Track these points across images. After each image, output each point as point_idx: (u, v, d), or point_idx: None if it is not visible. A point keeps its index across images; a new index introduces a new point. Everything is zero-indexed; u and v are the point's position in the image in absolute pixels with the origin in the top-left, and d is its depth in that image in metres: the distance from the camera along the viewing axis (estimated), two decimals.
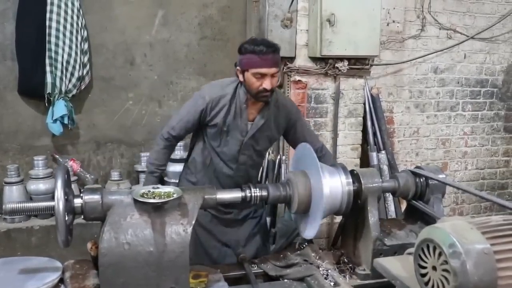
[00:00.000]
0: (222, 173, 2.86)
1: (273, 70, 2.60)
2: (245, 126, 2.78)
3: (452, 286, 1.47)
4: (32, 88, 3.88)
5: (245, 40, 2.77)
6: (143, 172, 4.18)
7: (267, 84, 2.60)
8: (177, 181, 4.11)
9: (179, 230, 2.04)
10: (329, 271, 2.41)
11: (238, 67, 2.70)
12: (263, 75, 2.60)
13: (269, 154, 4.43)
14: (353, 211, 2.47)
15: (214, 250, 2.93)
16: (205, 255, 2.90)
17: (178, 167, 4.15)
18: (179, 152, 4.22)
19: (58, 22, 3.81)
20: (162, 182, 4.21)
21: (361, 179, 2.43)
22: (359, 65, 4.12)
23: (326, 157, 2.99)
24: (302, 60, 4.08)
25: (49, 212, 2.08)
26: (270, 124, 2.83)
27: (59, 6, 3.79)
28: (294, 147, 2.93)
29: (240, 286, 2.37)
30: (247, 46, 2.61)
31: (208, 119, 2.75)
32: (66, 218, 2.00)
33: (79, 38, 3.92)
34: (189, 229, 2.05)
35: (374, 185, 2.44)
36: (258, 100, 2.71)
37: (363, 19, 3.91)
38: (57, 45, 3.82)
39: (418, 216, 2.60)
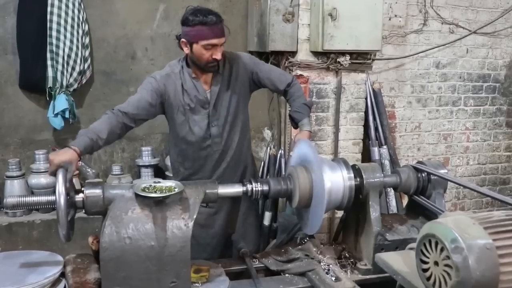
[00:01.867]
0: (203, 159, 2.81)
1: (223, 40, 2.58)
2: (204, 97, 2.73)
3: (454, 282, 1.47)
4: (33, 82, 3.88)
5: (187, 11, 2.64)
6: (144, 166, 4.18)
7: (217, 54, 2.57)
8: None
9: (180, 224, 2.04)
10: (330, 266, 2.41)
11: (183, 39, 2.62)
12: (213, 46, 2.56)
13: (270, 149, 4.44)
14: (355, 206, 2.47)
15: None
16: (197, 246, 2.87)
17: None
18: None
19: (59, 16, 3.80)
20: (160, 175, 4.22)
21: (362, 174, 2.43)
22: (361, 59, 4.11)
23: (293, 89, 2.95)
24: (303, 55, 4.07)
25: (50, 206, 2.08)
26: (230, 85, 2.77)
27: (60, 0, 3.78)
28: (267, 88, 2.97)
29: (241, 280, 2.38)
30: (195, 18, 2.53)
31: (165, 98, 2.70)
32: (68, 212, 2.00)
33: (80, 32, 3.91)
34: (191, 224, 2.05)
35: (375, 180, 2.44)
36: (207, 71, 2.67)
37: (365, 14, 3.90)
38: (58, 39, 3.81)
39: (419, 211, 2.60)
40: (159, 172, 4.31)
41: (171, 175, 4.13)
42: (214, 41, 2.55)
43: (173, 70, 2.74)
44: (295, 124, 2.96)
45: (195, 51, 2.59)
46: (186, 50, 2.64)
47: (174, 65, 2.78)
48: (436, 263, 1.55)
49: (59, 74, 3.83)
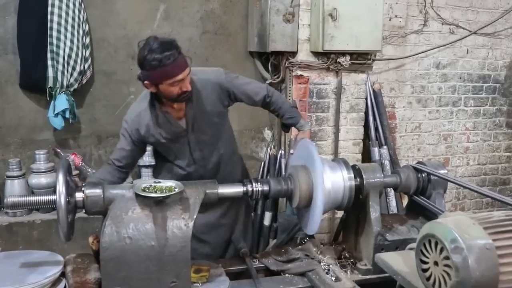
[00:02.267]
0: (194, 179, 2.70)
1: (187, 71, 2.44)
2: (180, 126, 2.66)
3: (453, 282, 1.47)
4: (34, 82, 3.88)
5: (140, 54, 2.45)
6: (144, 166, 4.18)
7: (186, 86, 2.46)
8: None
9: (180, 224, 2.04)
10: (331, 266, 2.41)
11: (146, 81, 2.49)
12: (180, 81, 2.42)
13: (270, 149, 4.44)
14: (355, 206, 2.47)
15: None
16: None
17: None
18: None
19: (59, 16, 3.80)
20: None
21: (362, 174, 2.43)
22: (361, 60, 4.11)
23: (274, 97, 2.89)
24: (304, 55, 4.07)
25: (51, 206, 2.08)
26: (205, 108, 2.66)
27: (60, 0, 3.78)
28: (245, 103, 2.87)
29: (242, 280, 2.38)
30: (151, 60, 2.36)
31: (144, 139, 2.65)
32: (68, 212, 2.00)
33: (81, 32, 3.91)
34: (191, 224, 2.05)
35: (375, 180, 2.44)
36: (180, 102, 2.55)
37: (365, 14, 3.90)
38: (58, 39, 3.81)
39: (419, 211, 2.60)
40: None
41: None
42: (179, 77, 2.40)
43: (142, 108, 2.64)
44: (288, 129, 2.98)
45: (163, 90, 2.47)
46: (153, 89, 2.51)
47: (142, 101, 2.67)
48: (436, 263, 1.55)
49: (59, 74, 3.83)
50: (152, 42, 2.39)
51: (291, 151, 2.70)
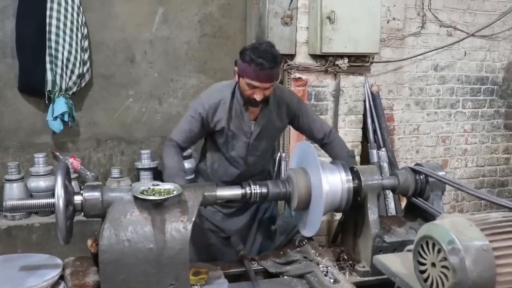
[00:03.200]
0: (234, 174, 2.87)
1: (266, 85, 2.57)
2: (248, 127, 2.77)
3: (451, 283, 1.47)
4: (32, 85, 3.88)
5: (250, 44, 2.69)
6: (143, 169, 4.18)
7: (258, 96, 2.58)
8: None
9: (179, 227, 2.05)
10: (329, 268, 2.42)
11: (236, 68, 2.67)
12: (255, 87, 2.56)
13: None
14: (353, 208, 2.48)
15: (216, 245, 2.94)
16: (205, 250, 2.90)
17: None
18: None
19: (58, 19, 3.80)
20: (160, 177, 4.21)
21: (361, 176, 2.44)
22: (359, 62, 4.12)
23: (335, 143, 3.00)
24: (302, 58, 4.08)
25: (50, 209, 2.08)
26: (273, 121, 2.81)
27: (59, 4, 3.79)
28: (303, 134, 3.02)
29: (240, 283, 2.38)
30: (249, 54, 2.54)
31: (212, 125, 2.75)
32: (66, 215, 2.00)
33: (79, 35, 3.92)
34: (189, 226, 2.05)
35: (374, 182, 2.44)
36: (246, 103, 2.69)
37: (363, 16, 3.91)
38: (57, 42, 3.82)
39: (418, 213, 2.60)
40: (158, 175, 4.32)
41: None
42: (256, 83, 2.55)
43: (223, 96, 2.75)
44: None
45: (241, 84, 2.64)
46: (236, 79, 2.70)
47: (225, 89, 2.78)
48: (433, 265, 1.55)
49: (58, 77, 3.83)
50: (264, 45, 2.60)
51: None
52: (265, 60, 2.50)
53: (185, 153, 4.20)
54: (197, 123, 2.75)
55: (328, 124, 3.15)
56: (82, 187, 2.25)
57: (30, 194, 3.83)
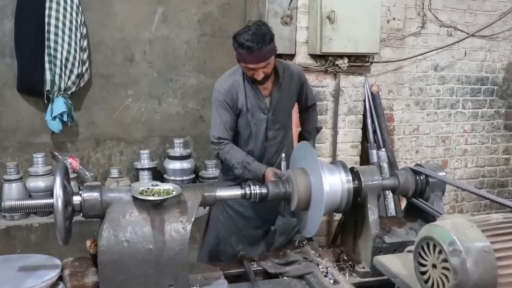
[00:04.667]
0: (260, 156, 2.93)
1: (261, 65, 2.66)
2: (264, 104, 2.87)
3: (452, 284, 1.46)
4: (31, 85, 3.88)
5: (244, 27, 2.74)
6: (142, 169, 4.17)
7: (258, 75, 2.69)
8: (176, 178, 4.13)
9: (178, 227, 2.04)
10: (329, 268, 2.41)
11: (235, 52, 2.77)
12: (252, 68, 2.68)
13: None
14: (353, 208, 2.47)
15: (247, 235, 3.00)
16: (242, 238, 2.97)
17: (177, 165, 4.17)
18: (179, 149, 4.22)
19: (57, 19, 3.80)
20: (159, 178, 4.21)
21: (361, 176, 2.43)
22: (359, 62, 4.12)
23: (313, 113, 3.23)
24: (302, 57, 4.07)
25: (48, 210, 2.07)
26: (286, 93, 2.92)
27: (58, 3, 3.79)
28: (299, 103, 3.13)
29: (240, 283, 2.37)
30: (238, 39, 2.64)
31: (235, 107, 2.84)
32: (65, 216, 1.99)
33: (78, 35, 3.91)
34: (188, 227, 2.04)
35: (374, 182, 2.43)
36: (255, 84, 2.79)
37: (363, 16, 3.90)
38: (56, 42, 3.81)
39: (418, 214, 2.59)
40: (157, 175, 4.31)
41: (170, 178, 4.15)
42: (251, 66, 2.66)
43: (234, 79, 2.85)
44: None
45: (241, 68, 2.79)
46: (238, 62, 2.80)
47: (235, 73, 2.88)
48: (434, 266, 1.55)
49: (57, 77, 3.83)
50: (252, 27, 2.66)
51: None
52: (252, 43, 2.58)
53: (184, 153, 4.22)
54: (224, 109, 2.82)
55: (313, 98, 3.27)
56: (81, 187, 2.24)
57: (29, 194, 3.83)
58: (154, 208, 2.05)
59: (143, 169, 4.18)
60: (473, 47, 4.84)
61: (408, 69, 4.64)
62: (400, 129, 4.72)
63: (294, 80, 2.95)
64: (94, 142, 4.28)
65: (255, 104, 2.84)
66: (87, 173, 4.13)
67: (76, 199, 2.11)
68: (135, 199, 2.06)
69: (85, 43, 3.98)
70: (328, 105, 4.16)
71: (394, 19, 4.46)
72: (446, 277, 1.49)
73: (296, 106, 3.18)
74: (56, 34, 3.81)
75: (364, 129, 4.36)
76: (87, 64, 4.02)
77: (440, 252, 1.51)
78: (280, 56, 4.15)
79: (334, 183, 2.37)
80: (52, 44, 3.80)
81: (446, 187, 2.59)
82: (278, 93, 2.87)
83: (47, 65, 3.81)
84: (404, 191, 2.59)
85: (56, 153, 4.11)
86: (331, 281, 2.30)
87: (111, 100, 4.26)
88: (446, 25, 4.66)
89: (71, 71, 3.89)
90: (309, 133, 3.20)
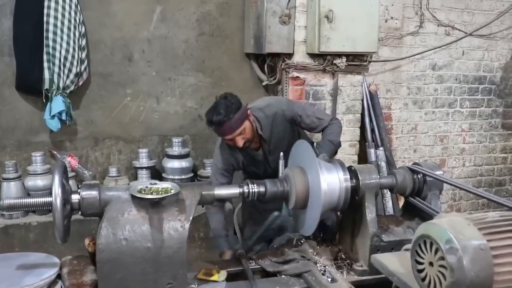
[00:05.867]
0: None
1: (235, 134, 2.75)
2: (258, 155, 3.00)
3: (448, 282, 1.47)
4: (30, 84, 3.87)
5: (209, 107, 2.82)
6: (141, 168, 4.18)
7: (239, 143, 2.78)
8: (174, 177, 4.14)
9: (176, 226, 2.04)
10: (327, 267, 2.41)
11: None
12: (230, 139, 2.78)
13: None
14: (351, 207, 2.47)
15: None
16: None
17: (176, 163, 4.17)
18: (177, 148, 4.22)
19: (55, 18, 3.79)
20: (157, 176, 4.21)
21: (358, 175, 2.43)
22: (357, 61, 4.13)
23: (328, 128, 3.02)
24: (300, 57, 4.08)
25: (47, 208, 2.08)
26: (277, 136, 2.97)
27: (56, 2, 3.78)
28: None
29: (238, 282, 2.38)
30: (207, 118, 2.76)
31: (234, 169, 3.05)
32: (64, 214, 2.00)
33: (77, 34, 3.91)
34: (187, 225, 2.05)
35: (371, 181, 2.44)
36: (243, 148, 2.86)
37: (362, 16, 3.91)
38: (54, 41, 3.81)
39: (415, 212, 2.60)
40: (156, 174, 4.32)
41: (168, 177, 4.15)
42: (227, 137, 2.78)
43: (226, 152, 2.99)
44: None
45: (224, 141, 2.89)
46: None
47: (222, 146, 3.01)
48: (431, 264, 1.55)
49: (55, 76, 3.83)
50: (219, 102, 2.76)
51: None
52: (217, 117, 2.69)
53: (183, 152, 4.22)
54: (221, 175, 3.00)
55: (327, 117, 3.09)
56: (79, 186, 2.24)
57: (27, 192, 3.83)
58: (153, 206, 2.06)
59: (142, 168, 4.18)
60: (471, 46, 4.85)
61: (406, 68, 4.65)
62: (398, 128, 4.74)
63: (279, 118, 2.95)
64: (93, 141, 4.28)
65: (250, 159, 3.01)
66: (86, 171, 4.13)
67: (75, 197, 2.11)
68: (133, 197, 2.06)
69: (83, 42, 3.98)
70: (326, 104, 4.17)
71: (392, 18, 4.47)
72: (443, 275, 1.49)
73: None
74: (55, 33, 3.81)
75: (362, 128, 4.37)
76: (85, 63, 4.02)
77: (437, 250, 1.51)
78: (278, 55, 4.18)
79: (332, 182, 2.37)
80: (50, 43, 3.80)
81: (444, 186, 2.60)
82: (266, 144, 2.96)
83: (45, 64, 3.80)
84: (401, 190, 2.59)
85: (55, 152, 4.11)
86: (329, 280, 2.31)
87: (109, 99, 4.26)
88: (444, 25, 4.68)
89: (70, 70, 3.89)
90: (320, 146, 3.03)
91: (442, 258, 1.49)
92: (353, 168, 2.48)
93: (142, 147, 4.32)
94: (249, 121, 2.81)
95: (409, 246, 1.70)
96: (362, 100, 4.30)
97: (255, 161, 3.02)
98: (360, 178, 2.42)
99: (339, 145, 3.06)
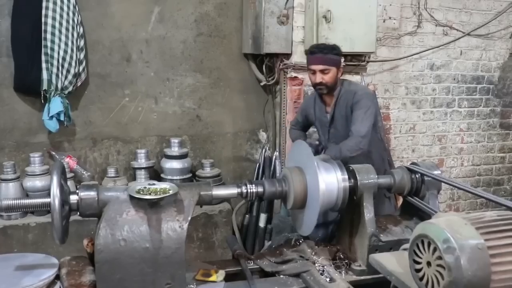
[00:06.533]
0: None
1: (320, 67, 3.03)
2: (325, 117, 3.26)
3: (446, 281, 1.48)
4: (28, 85, 3.87)
5: None
6: (139, 168, 4.18)
7: (317, 78, 3.05)
8: (173, 177, 4.14)
9: (175, 226, 2.04)
10: (325, 267, 2.41)
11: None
12: (314, 71, 3.06)
13: (265, 151, 4.45)
14: (349, 207, 2.48)
15: None
16: None
17: (174, 164, 4.17)
18: (175, 149, 4.22)
19: (54, 18, 3.79)
20: (156, 177, 4.22)
21: (356, 175, 2.44)
22: (355, 61, 4.13)
23: (349, 139, 3.00)
24: (298, 57, 4.08)
25: (45, 209, 2.08)
26: (341, 111, 3.15)
27: (55, 3, 3.78)
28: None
29: (236, 282, 2.38)
30: (310, 48, 3.16)
31: (308, 117, 3.42)
32: (62, 215, 2.00)
33: (75, 34, 3.91)
34: (185, 225, 2.05)
35: (369, 181, 2.44)
36: (317, 92, 3.18)
37: (360, 16, 3.92)
38: (53, 41, 3.81)
39: (413, 212, 2.61)
40: (154, 174, 4.31)
41: (167, 177, 4.16)
42: (312, 67, 3.08)
43: (313, 92, 3.36)
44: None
45: (309, 76, 3.18)
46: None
47: (311, 96, 3.44)
48: (428, 264, 1.56)
49: (54, 76, 3.83)
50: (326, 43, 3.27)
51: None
52: (317, 48, 3.10)
53: (181, 152, 4.22)
54: (301, 115, 3.49)
55: (362, 129, 3.02)
56: (78, 187, 2.24)
57: (26, 193, 3.82)
58: (151, 207, 2.06)
59: (140, 168, 4.18)
60: (469, 46, 4.86)
61: (404, 68, 4.65)
62: (397, 128, 4.74)
63: (348, 99, 3.12)
64: (91, 142, 4.28)
65: (319, 116, 3.30)
66: (84, 172, 4.13)
67: (73, 198, 2.11)
68: (132, 198, 2.06)
69: (82, 43, 3.98)
70: None
71: (390, 18, 4.48)
72: (441, 274, 1.50)
73: None
74: (53, 34, 3.80)
75: None
76: (84, 63, 4.01)
77: (434, 249, 1.52)
78: (276, 55, 4.18)
79: (330, 182, 2.38)
80: (49, 44, 3.80)
81: (442, 186, 2.61)
82: (332, 111, 3.18)
83: (44, 65, 3.80)
84: (400, 190, 2.60)
85: (53, 153, 4.11)
86: (327, 279, 2.31)
87: (108, 100, 4.26)
88: (442, 24, 4.68)
89: (68, 71, 3.89)
90: (329, 149, 3.02)
91: (440, 258, 1.49)
92: (351, 168, 2.49)
93: (141, 147, 4.32)
94: (337, 70, 3.09)
95: (407, 245, 1.71)
96: None
97: (321, 123, 3.29)
98: (358, 178, 2.43)
99: (345, 159, 2.88)
